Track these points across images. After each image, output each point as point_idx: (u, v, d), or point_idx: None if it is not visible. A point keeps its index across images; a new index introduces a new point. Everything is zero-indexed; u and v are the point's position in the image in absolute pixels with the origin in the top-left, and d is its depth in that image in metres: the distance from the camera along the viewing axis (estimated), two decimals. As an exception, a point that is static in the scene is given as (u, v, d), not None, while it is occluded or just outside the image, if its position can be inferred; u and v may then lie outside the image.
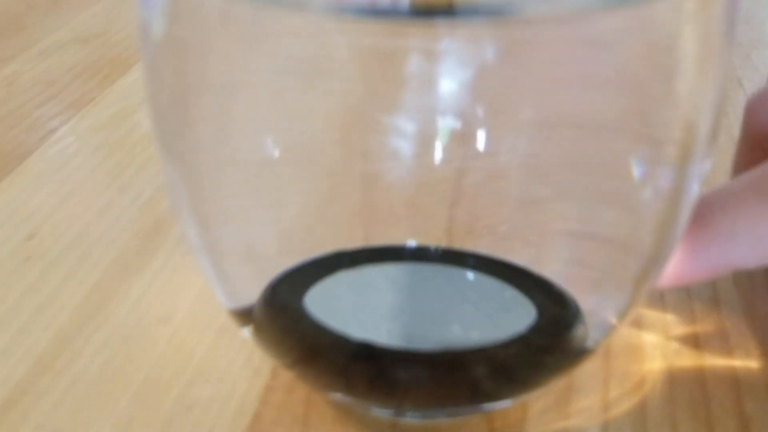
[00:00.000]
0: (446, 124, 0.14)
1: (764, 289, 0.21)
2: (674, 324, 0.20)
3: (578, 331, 0.16)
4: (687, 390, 0.18)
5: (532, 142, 0.14)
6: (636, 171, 0.14)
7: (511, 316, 0.17)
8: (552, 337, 0.16)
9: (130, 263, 0.22)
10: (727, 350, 0.19)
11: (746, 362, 0.19)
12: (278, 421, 0.17)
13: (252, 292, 0.16)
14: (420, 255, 0.18)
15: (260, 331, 0.16)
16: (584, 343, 0.16)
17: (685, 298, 0.21)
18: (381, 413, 0.17)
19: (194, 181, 0.15)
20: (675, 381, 0.18)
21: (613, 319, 0.16)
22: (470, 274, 0.17)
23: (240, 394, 0.18)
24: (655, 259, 0.15)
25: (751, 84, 0.34)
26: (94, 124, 0.29)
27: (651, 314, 0.20)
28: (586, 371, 0.18)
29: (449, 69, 0.14)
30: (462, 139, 0.14)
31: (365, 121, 0.14)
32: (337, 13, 0.12)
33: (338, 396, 0.17)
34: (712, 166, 0.15)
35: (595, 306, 0.16)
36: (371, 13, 0.12)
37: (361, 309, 0.17)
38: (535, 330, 0.16)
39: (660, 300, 0.21)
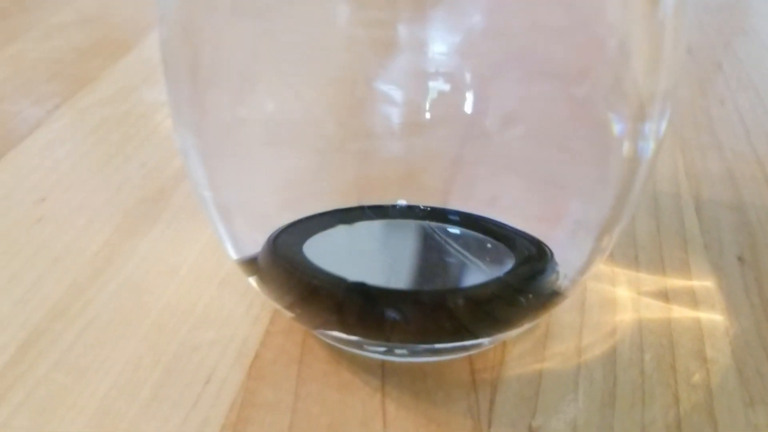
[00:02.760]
0: (431, 85, 0.16)
1: (732, 254, 0.23)
2: (646, 281, 0.22)
3: (551, 276, 0.17)
4: (655, 338, 0.20)
5: (507, 97, 0.15)
6: (598, 129, 0.16)
7: (491, 263, 0.18)
8: (526, 281, 0.17)
9: (137, 224, 0.23)
10: (694, 304, 0.21)
11: (710, 315, 0.20)
12: (277, 360, 0.18)
13: (256, 245, 0.18)
14: (410, 214, 0.19)
15: (264, 278, 0.18)
16: (556, 286, 0.17)
17: (658, 259, 0.22)
18: (371, 354, 0.18)
19: (205, 145, 0.16)
20: (644, 330, 0.20)
21: (582, 265, 0.17)
22: (455, 229, 0.19)
23: (241, 338, 0.19)
24: (619, 210, 0.17)
25: (731, 68, 0.35)
26: (98, 100, 0.30)
27: (624, 272, 0.22)
28: (562, 321, 0.20)
29: (434, 32, 0.15)
30: (444, 100, 0.16)
31: (360, 91, 0.16)
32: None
33: (332, 336, 0.18)
34: (665, 130, 0.17)
35: (566, 253, 0.17)
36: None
37: (355, 256, 0.18)
38: (511, 274, 0.17)
39: (634, 260, 0.22)
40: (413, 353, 0.18)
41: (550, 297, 0.17)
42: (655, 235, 0.23)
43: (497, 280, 0.17)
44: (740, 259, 0.23)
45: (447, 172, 0.18)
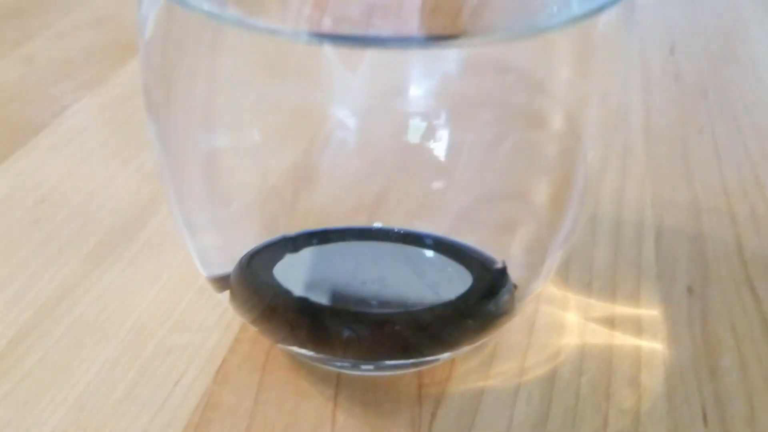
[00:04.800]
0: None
1: (683, 284, 0.24)
2: (595, 307, 0.23)
3: (503, 298, 0.19)
4: (594, 363, 0.21)
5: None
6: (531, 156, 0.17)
7: (446, 284, 0.20)
8: (476, 304, 0.19)
9: (128, 228, 0.25)
10: (638, 332, 0.22)
11: (651, 343, 0.22)
12: (242, 366, 0.20)
13: (224, 265, 0.19)
14: (381, 236, 0.21)
15: (233, 294, 0.19)
16: (507, 306, 0.19)
17: (610, 286, 0.24)
18: (327, 366, 0.20)
19: (176, 172, 0.18)
20: (585, 355, 0.21)
21: (534, 284, 0.19)
22: (420, 251, 0.20)
23: (212, 344, 0.21)
24: (556, 231, 0.18)
25: (717, 96, 0.36)
26: (104, 102, 0.32)
27: (576, 298, 0.23)
28: (510, 342, 0.21)
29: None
30: (398, 132, 0.17)
31: (316, 116, 0.17)
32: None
33: (293, 349, 0.20)
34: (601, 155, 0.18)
35: (520, 272, 0.19)
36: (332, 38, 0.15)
37: (317, 277, 0.20)
38: (462, 298, 0.19)
39: (587, 286, 0.24)
40: (363, 368, 0.19)
41: (501, 317, 0.19)
42: (612, 262, 0.25)
43: (446, 304, 0.19)
44: (689, 290, 0.24)
45: (413, 196, 0.20)
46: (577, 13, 0.17)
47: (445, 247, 0.20)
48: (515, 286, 0.19)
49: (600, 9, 0.16)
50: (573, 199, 0.18)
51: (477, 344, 0.20)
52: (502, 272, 0.19)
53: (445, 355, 0.20)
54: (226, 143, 0.18)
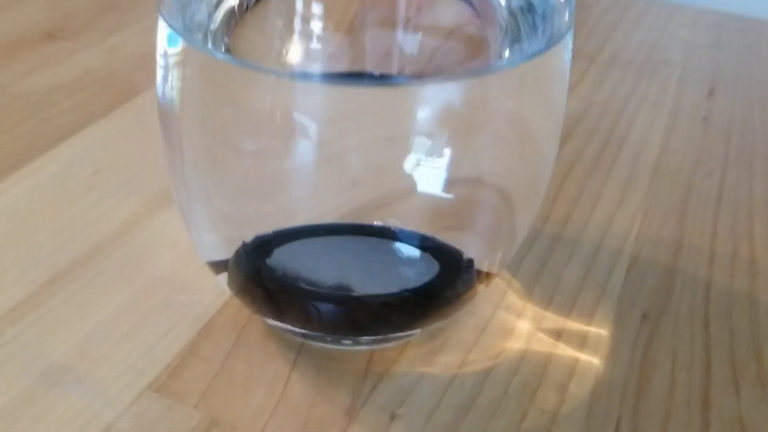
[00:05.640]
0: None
1: (640, 310, 0.26)
2: (549, 320, 0.25)
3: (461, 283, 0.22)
4: (530, 367, 0.24)
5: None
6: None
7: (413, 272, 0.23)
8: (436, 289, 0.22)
9: (160, 202, 0.29)
10: (580, 347, 0.24)
11: (590, 358, 0.24)
12: (224, 326, 0.24)
13: (220, 253, 0.23)
14: (358, 229, 0.24)
15: (230, 276, 0.23)
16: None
17: (569, 303, 0.26)
18: (293, 336, 0.23)
19: (179, 172, 0.21)
20: (525, 359, 0.24)
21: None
22: (396, 244, 0.23)
23: (204, 305, 0.25)
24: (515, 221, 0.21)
25: (739, 140, 0.37)
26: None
27: (534, 309, 0.26)
28: (460, 338, 0.24)
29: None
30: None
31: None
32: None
33: (268, 320, 0.23)
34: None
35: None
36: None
37: (304, 264, 0.23)
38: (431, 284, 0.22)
39: (548, 300, 0.26)
40: (322, 340, 0.23)
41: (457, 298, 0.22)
42: (579, 283, 0.27)
43: (398, 293, 0.22)
44: (644, 316, 0.26)
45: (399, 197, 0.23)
46: (518, 58, 0.20)
47: (414, 239, 0.23)
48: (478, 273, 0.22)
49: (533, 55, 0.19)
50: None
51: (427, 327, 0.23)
52: (467, 263, 0.22)
53: (395, 336, 0.23)
54: (230, 157, 0.21)
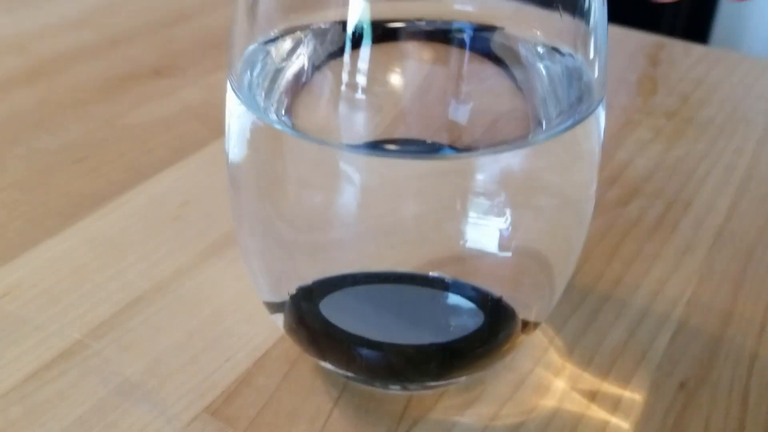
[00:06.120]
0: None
1: (678, 379, 0.27)
2: (585, 380, 0.26)
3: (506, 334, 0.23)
4: (560, 425, 0.25)
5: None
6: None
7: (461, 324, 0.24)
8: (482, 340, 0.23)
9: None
10: (612, 410, 0.25)
11: (620, 422, 0.25)
12: (278, 359, 0.26)
13: (275, 296, 0.25)
14: (405, 279, 0.25)
15: (286, 319, 0.25)
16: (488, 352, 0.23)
17: (608, 366, 0.27)
18: (339, 376, 0.25)
19: (242, 218, 0.24)
20: (555, 417, 0.25)
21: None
22: (441, 294, 0.25)
23: (263, 337, 0.27)
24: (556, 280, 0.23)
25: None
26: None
27: (572, 368, 0.27)
28: (496, 392, 0.26)
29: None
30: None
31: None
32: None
33: (316, 360, 0.25)
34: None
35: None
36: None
37: (355, 314, 0.25)
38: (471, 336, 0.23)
39: (588, 360, 0.27)
40: (365, 382, 0.25)
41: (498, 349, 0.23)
42: (621, 346, 0.28)
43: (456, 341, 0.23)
44: (682, 384, 0.26)
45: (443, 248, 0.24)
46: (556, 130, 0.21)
47: (460, 289, 0.24)
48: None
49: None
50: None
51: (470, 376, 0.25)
52: (508, 310, 0.23)
53: (435, 384, 0.24)
54: (283, 217, 0.23)
